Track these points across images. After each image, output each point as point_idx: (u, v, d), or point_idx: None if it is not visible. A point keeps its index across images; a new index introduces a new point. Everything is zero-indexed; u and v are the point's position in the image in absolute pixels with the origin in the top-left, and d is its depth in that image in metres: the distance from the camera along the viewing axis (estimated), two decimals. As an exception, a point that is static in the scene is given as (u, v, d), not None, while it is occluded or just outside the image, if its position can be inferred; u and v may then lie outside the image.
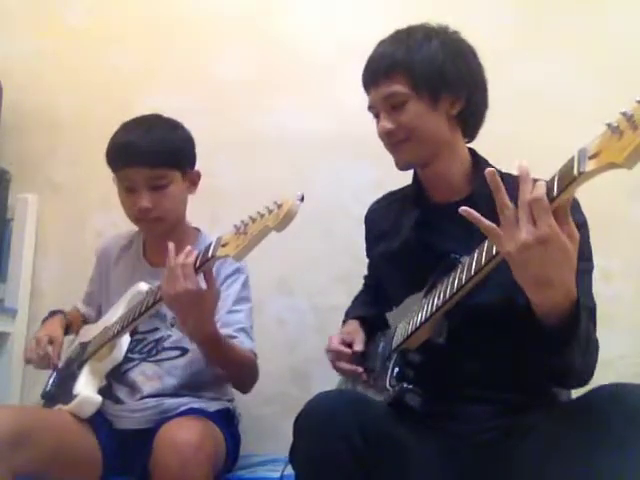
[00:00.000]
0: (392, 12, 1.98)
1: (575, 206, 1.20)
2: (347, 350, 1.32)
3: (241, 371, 1.53)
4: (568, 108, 1.84)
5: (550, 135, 1.82)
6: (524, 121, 1.84)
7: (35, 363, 1.57)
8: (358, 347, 1.33)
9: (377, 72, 1.28)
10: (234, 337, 1.52)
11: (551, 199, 0.91)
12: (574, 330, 0.97)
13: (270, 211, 1.20)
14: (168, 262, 1.35)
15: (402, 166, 1.32)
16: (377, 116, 1.32)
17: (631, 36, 1.86)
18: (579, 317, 0.97)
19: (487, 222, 0.98)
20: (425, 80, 1.25)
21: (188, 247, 1.38)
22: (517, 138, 1.80)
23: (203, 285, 1.34)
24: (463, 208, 1.01)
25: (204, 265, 1.33)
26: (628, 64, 1.83)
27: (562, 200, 0.91)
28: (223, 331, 1.50)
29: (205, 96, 2.10)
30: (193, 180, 1.63)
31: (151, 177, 1.52)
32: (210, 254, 1.31)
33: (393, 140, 1.29)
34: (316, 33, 2.06)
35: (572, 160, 0.88)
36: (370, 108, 1.33)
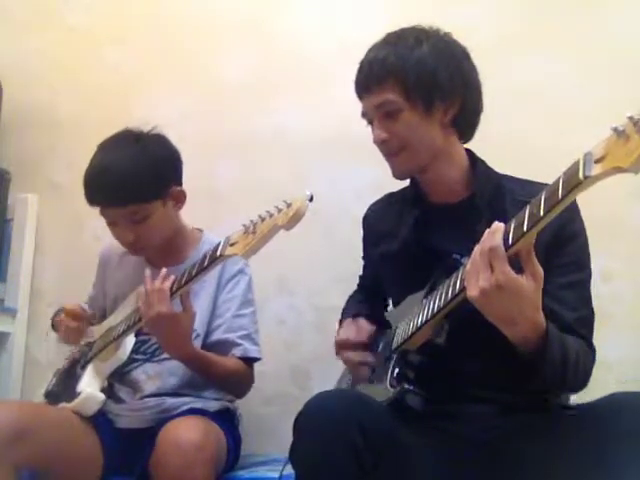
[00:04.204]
0: (392, 12, 1.98)
1: (572, 214, 1.20)
2: (353, 339, 1.32)
3: (225, 383, 1.55)
4: (568, 108, 1.84)
5: (550, 135, 1.82)
6: (523, 121, 1.84)
7: (69, 340, 1.60)
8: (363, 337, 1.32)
9: (369, 79, 1.26)
10: (238, 345, 1.55)
11: (556, 202, 0.91)
12: (542, 359, 1.04)
13: (279, 210, 1.22)
14: (145, 287, 1.38)
15: (398, 175, 1.31)
16: (371, 123, 1.30)
17: (631, 36, 1.85)
18: (546, 348, 1.04)
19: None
20: (417, 89, 1.22)
21: (164, 270, 1.40)
22: (517, 138, 1.80)
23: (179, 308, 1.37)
24: None
25: (183, 288, 1.36)
26: (629, 64, 1.83)
27: (525, 243, 0.97)
28: (227, 336, 1.54)
29: (205, 96, 2.10)
30: (177, 198, 1.58)
31: (127, 213, 1.49)
32: (219, 253, 1.31)
33: (387, 150, 1.28)
34: (316, 33, 2.06)
35: (577, 164, 0.87)
36: (363, 115, 1.30)
